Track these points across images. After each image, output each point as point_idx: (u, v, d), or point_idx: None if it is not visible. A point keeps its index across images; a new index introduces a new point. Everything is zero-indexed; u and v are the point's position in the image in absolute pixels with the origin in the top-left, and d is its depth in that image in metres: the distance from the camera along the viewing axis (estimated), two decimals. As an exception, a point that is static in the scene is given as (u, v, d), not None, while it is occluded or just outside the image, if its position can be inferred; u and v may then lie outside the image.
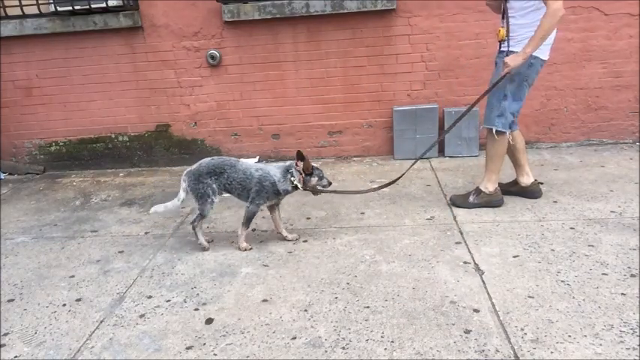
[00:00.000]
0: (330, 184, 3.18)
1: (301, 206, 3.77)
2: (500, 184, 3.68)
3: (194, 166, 3.11)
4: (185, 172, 3.13)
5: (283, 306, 2.50)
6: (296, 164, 3.07)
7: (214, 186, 3.06)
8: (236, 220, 3.60)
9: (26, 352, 2.30)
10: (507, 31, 3.23)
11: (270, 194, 3.07)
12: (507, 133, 3.37)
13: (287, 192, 3.10)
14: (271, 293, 2.62)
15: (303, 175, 3.06)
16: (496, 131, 3.33)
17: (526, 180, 3.59)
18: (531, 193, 3.59)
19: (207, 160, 3.13)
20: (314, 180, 3.09)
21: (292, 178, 3.05)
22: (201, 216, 3.10)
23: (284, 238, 3.22)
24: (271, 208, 3.21)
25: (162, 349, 2.24)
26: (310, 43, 4.67)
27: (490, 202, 3.50)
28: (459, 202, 3.56)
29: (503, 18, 3.28)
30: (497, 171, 3.49)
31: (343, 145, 4.94)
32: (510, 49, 3.22)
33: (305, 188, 3.11)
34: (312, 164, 3.09)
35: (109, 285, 2.84)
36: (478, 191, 3.51)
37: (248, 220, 3.12)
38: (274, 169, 3.08)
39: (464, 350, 2.08)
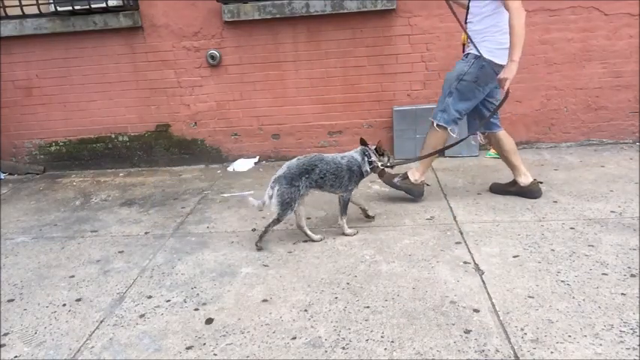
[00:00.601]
0: (390, 162, 3.38)
1: (301, 206, 3.77)
2: (498, 185, 3.69)
3: (284, 170, 3.04)
4: (274, 178, 3.03)
5: (283, 306, 2.50)
6: (367, 147, 3.24)
7: (301, 190, 3.04)
8: (236, 220, 3.61)
9: (26, 352, 2.30)
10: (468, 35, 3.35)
11: (358, 178, 3.22)
12: (448, 129, 3.46)
13: (367, 173, 3.25)
14: (271, 293, 2.62)
15: (378, 155, 3.24)
16: (437, 124, 3.44)
17: (524, 180, 3.59)
18: (531, 192, 3.59)
19: (293, 161, 3.11)
20: (385, 159, 3.29)
21: (371, 159, 3.21)
22: (278, 221, 3.07)
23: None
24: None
25: (162, 349, 2.24)
26: (310, 43, 4.67)
27: (411, 190, 3.65)
28: (385, 178, 3.64)
29: (465, 22, 3.39)
30: (429, 164, 3.63)
31: (343, 145, 4.94)
32: (470, 50, 3.35)
33: (384, 167, 3.31)
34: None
35: (109, 285, 2.84)
36: (405, 176, 3.65)
37: (345, 208, 3.22)
38: (355, 154, 3.23)
39: (464, 350, 2.08)
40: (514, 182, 3.65)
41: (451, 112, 3.40)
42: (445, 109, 3.41)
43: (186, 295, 2.67)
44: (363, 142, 3.25)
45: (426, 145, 3.56)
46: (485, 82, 3.33)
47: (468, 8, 3.37)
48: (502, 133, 3.59)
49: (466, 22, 3.37)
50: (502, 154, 3.64)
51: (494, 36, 3.27)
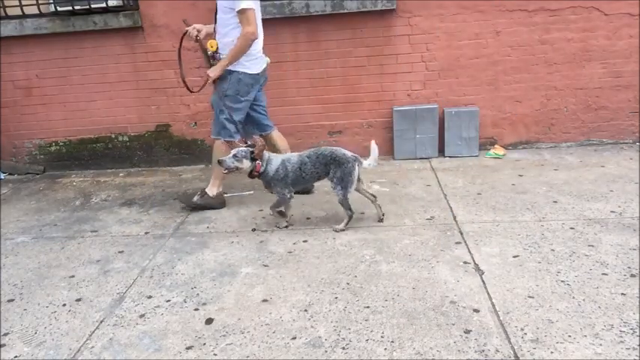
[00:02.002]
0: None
1: (301, 206, 3.77)
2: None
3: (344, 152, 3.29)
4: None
5: (283, 306, 2.50)
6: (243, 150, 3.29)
7: None
8: (236, 220, 3.61)
9: (26, 352, 2.30)
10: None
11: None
12: (236, 140, 3.61)
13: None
14: (271, 293, 2.62)
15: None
16: (224, 140, 3.61)
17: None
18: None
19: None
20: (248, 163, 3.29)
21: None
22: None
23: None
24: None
25: (162, 349, 2.24)
26: (310, 43, 4.67)
27: (211, 204, 3.81)
28: (184, 200, 3.86)
29: (214, 31, 3.61)
30: (222, 177, 3.77)
31: (343, 145, 4.90)
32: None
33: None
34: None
35: (109, 285, 2.84)
36: (203, 193, 3.81)
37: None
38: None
39: (464, 350, 2.08)
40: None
41: (229, 127, 3.60)
42: (224, 126, 3.60)
43: (186, 295, 2.67)
44: (250, 145, 3.28)
45: (215, 164, 3.63)
46: (246, 92, 3.60)
47: (216, 20, 3.57)
48: (276, 134, 3.92)
49: (215, 33, 3.60)
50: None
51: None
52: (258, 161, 3.23)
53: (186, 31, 3.67)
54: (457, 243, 3.02)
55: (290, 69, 4.75)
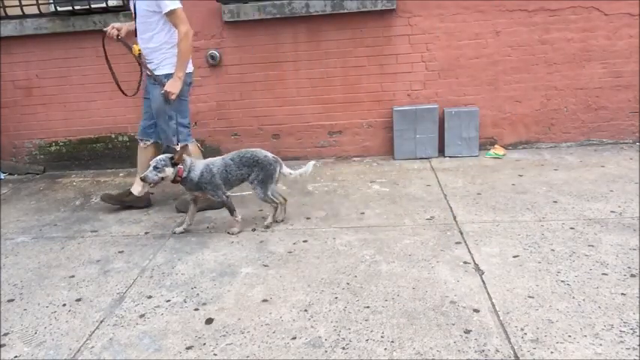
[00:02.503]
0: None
1: (301, 206, 3.77)
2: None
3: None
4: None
5: (283, 306, 2.50)
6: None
7: None
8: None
9: (26, 352, 2.30)
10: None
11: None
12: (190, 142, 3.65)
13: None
14: (271, 293, 2.62)
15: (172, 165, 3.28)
16: (181, 146, 3.46)
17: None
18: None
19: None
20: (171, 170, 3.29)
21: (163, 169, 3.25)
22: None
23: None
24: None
25: (162, 349, 2.25)
26: (310, 43, 4.67)
27: (136, 202, 3.88)
28: (107, 198, 3.88)
29: (135, 36, 3.53)
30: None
31: (343, 145, 4.94)
32: (155, 72, 3.50)
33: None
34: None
35: (109, 285, 2.84)
36: (129, 192, 3.86)
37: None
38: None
39: (464, 350, 2.08)
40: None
41: (181, 130, 3.58)
42: (177, 131, 3.55)
43: (186, 295, 2.67)
44: (169, 151, 3.29)
45: (144, 164, 3.64)
46: (187, 91, 3.62)
47: (136, 24, 3.48)
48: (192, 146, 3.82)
49: (136, 36, 3.52)
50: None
51: (170, 51, 3.46)
52: (179, 166, 3.23)
53: (105, 31, 3.54)
54: (457, 243, 3.02)
55: (290, 69, 4.75)
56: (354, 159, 4.91)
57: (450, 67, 4.66)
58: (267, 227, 3.42)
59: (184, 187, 3.39)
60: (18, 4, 4.63)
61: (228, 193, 3.41)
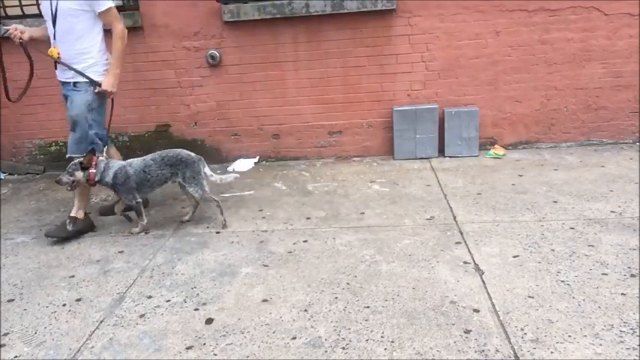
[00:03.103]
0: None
1: (301, 206, 3.77)
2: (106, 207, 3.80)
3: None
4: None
5: (283, 306, 2.50)
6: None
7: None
8: (236, 220, 3.60)
9: (26, 352, 2.30)
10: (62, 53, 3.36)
11: None
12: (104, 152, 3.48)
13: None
14: (271, 293, 2.62)
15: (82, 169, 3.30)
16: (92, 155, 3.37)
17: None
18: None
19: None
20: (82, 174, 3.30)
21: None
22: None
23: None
24: None
25: (162, 349, 2.25)
26: (310, 43, 4.67)
27: (81, 230, 3.51)
28: (55, 233, 3.45)
29: (54, 39, 3.36)
30: (88, 197, 3.65)
31: (343, 145, 4.94)
32: (81, 80, 3.33)
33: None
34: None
35: (109, 285, 2.84)
36: (73, 219, 3.48)
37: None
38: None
39: (464, 350, 2.08)
40: (113, 207, 3.71)
41: (97, 141, 3.43)
42: (92, 141, 3.40)
43: (186, 295, 2.67)
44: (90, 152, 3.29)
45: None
46: (104, 100, 3.45)
47: (55, 27, 3.30)
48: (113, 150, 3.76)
49: (55, 39, 3.35)
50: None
51: (99, 55, 3.35)
52: (91, 170, 3.25)
53: (6, 31, 3.36)
54: (457, 243, 3.02)
55: (290, 69, 4.75)
56: (354, 159, 4.91)
57: (450, 67, 4.66)
58: (187, 221, 3.60)
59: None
60: (18, 4, 4.63)
61: (139, 199, 3.43)
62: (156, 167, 3.38)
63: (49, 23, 3.32)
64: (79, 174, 3.26)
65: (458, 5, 4.49)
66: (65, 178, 3.25)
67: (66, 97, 3.46)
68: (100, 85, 3.34)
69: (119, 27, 3.28)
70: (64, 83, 3.44)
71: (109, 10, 3.25)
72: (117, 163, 3.38)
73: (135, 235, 3.47)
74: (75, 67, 3.31)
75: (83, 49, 3.31)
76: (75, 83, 3.36)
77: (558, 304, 2.34)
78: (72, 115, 3.39)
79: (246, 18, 4.55)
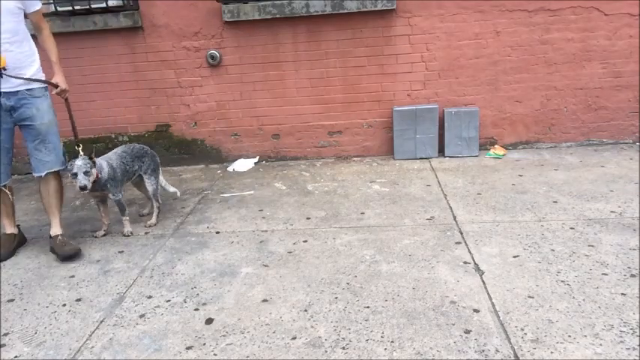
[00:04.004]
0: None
1: (301, 206, 3.77)
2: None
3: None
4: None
5: (283, 306, 2.50)
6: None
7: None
8: (236, 220, 3.61)
9: (26, 352, 2.30)
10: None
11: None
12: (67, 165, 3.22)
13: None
14: (271, 293, 2.62)
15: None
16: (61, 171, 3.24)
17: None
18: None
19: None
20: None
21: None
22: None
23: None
24: None
25: (162, 349, 2.25)
26: (310, 43, 4.67)
27: (67, 242, 3.23)
28: (59, 252, 3.17)
29: None
30: (59, 210, 3.35)
31: (343, 145, 4.95)
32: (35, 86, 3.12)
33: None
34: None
35: (108, 285, 2.84)
36: (56, 238, 3.22)
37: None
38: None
39: (464, 350, 2.08)
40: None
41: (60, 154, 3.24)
42: (64, 152, 3.26)
43: (186, 295, 2.67)
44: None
45: (52, 198, 3.28)
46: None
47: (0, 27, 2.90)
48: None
49: None
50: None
51: (37, 56, 3.17)
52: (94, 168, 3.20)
53: None
54: (457, 243, 3.02)
55: (290, 69, 4.75)
56: (354, 159, 4.92)
57: (449, 67, 4.66)
58: (150, 225, 3.60)
59: (88, 191, 3.13)
60: None
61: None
62: (130, 159, 3.49)
63: None
64: (94, 171, 3.14)
65: (458, 5, 4.49)
66: (84, 180, 3.03)
67: (14, 109, 3.12)
68: (56, 85, 3.16)
69: (46, 26, 3.17)
70: (9, 94, 3.03)
71: (39, 10, 3.10)
72: (102, 161, 3.32)
73: (127, 235, 3.47)
74: (24, 71, 3.04)
75: (28, 51, 3.07)
76: (29, 90, 3.09)
77: (558, 304, 2.34)
78: (44, 123, 3.14)
79: (246, 18, 4.55)
